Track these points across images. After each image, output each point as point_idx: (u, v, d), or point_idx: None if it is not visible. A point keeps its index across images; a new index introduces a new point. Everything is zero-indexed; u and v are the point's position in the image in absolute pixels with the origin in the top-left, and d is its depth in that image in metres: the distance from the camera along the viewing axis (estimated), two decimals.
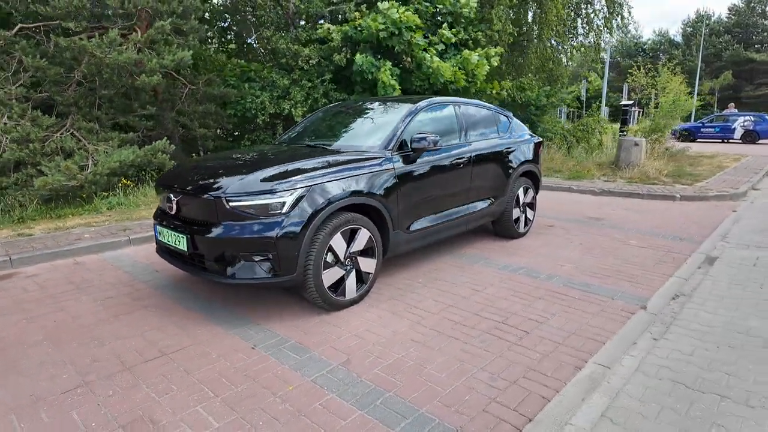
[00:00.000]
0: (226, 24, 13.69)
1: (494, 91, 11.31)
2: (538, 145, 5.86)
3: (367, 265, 3.70)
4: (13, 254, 4.75)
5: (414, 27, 9.18)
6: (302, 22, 11.32)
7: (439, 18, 10.62)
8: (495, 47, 10.92)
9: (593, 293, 3.92)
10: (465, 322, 3.37)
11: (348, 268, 3.56)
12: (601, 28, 14.85)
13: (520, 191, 5.46)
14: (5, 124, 7.08)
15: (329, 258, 3.41)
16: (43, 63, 7.40)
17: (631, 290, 3.98)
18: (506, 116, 5.57)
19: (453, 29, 10.45)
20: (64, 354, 2.97)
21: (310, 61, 10.13)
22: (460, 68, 10.28)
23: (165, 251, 3.75)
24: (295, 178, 3.30)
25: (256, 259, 3.17)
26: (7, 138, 6.92)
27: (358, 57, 9.27)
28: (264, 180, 3.26)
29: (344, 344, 3.05)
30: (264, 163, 3.59)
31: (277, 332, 3.22)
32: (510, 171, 5.25)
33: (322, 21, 11.07)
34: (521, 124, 5.86)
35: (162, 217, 3.71)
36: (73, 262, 4.88)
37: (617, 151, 10.71)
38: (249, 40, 13.23)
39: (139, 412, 2.38)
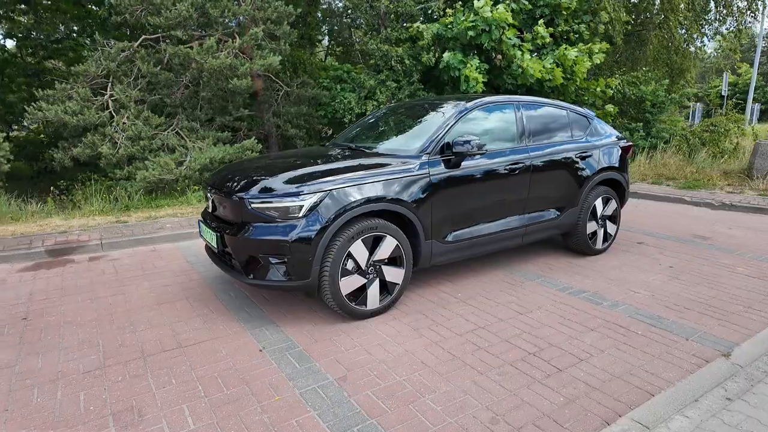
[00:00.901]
0: (328, 28, 14.26)
1: (598, 89, 10.20)
2: (625, 150, 5.10)
3: (393, 274, 3.50)
4: (105, 239, 5.39)
5: (505, 24, 8.62)
6: (393, 22, 11.33)
7: (537, 13, 9.86)
8: (600, 42, 9.84)
9: (663, 329, 3.27)
10: (490, 349, 3.01)
11: (370, 276, 3.39)
12: (743, 10, 12.58)
13: (598, 202, 4.79)
14: (124, 123, 8.13)
15: (349, 265, 3.29)
16: (156, 69, 8.34)
17: (717, 331, 3.24)
18: (585, 116, 4.92)
19: (553, 23, 9.64)
20: (102, 336, 3.24)
21: (405, 62, 10.07)
22: (558, 64, 9.45)
23: (206, 248, 3.93)
24: (316, 181, 3.22)
25: (273, 261, 3.16)
26: (123, 136, 7.93)
27: (446, 55, 8.98)
28: (286, 182, 3.24)
29: (349, 358, 2.90)
30: (295, 166, 3.58)
31: (290, 336, 3.18)
32: (584, 179, 4.63)
33: (408, 21, 10.94)
34: (605, 125, 5.14)
35: (205, 215, 3.89)
36: (152, 249, 5.39)
37: (751, 156, 8.98)
38: (351, 42, 13.61)
39: (132, 401, 2.48)
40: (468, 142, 3.64)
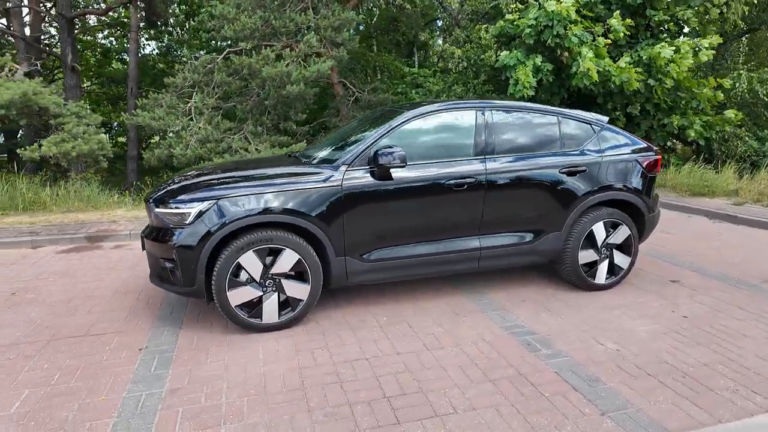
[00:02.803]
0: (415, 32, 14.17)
1: (705, 90, 8.43)
2: (650, 165, 4.12)
3: (296, 290, 3.33)
4: (134, 230, 6.11)
5: (569, 19, 7.62)
6: (467, 22, 10.79)
7: (620, 2, 8.54)
8: (712, 33, 8.13)
9: (583, 395, 2.57)
10: (347, 385, 2.68)
11: (267, 289, 3.28)
12: None
13: (598, 227, 3.95)
14: (199, 128, 9.12)
15: (243, 276, 3.23)
16: (228, 78, 9.19)
17: (658, 412, 2.44)
18: (589, 124, 4.09)
19: (643, 12, 8.25)
20: (48, 316, 3.67)
21: (460, 64, 9.59)
22: (647, 63, 8.08)
23: None
24: (208, 190, 3.23)
25: (167, 266, 3.25)
26: (194, 138, 8.90)
27: (502, 54, 8.30)
28: (182, 190, 3.31)
29: (202, 371, 2.84)
30: (214, 172, 3.63)
31: (178, 340, 3.23)
32: (573, 199, 3.86)
33: (482, 21, 10.32)
34: (623, 134, 4.22)
35: None
36: None
37: None
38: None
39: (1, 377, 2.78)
40: (390, 153, 3.31)
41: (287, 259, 3.27)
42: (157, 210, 3.29)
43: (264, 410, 2.46)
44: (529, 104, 4.08)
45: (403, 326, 3.44)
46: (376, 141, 3.51)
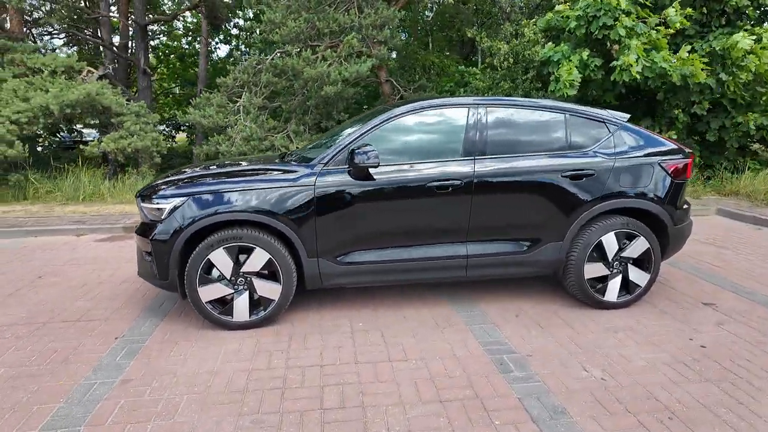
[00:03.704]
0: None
1: None
2: (676, 170, 3.61)
3: (267, 289, 3.30)
4: None
5: (619, 8, 6.93)
6: (518, 16, 10.22)
7: None
8: None
9: (538, 424, 2.27)
10: (289, 392, 2.58)
11: (239, 288, 3.28)
12: None
13: (608, 238, 3.52)
14: (245, 126, 9.48)
15: (215, 273, 3.25)
16: (274, 79, 9.46)
17: None
18: (604, 122, 3.66)
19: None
20: (56, 299, 3.96)
21: (506, 60, 9.11)
22: (721, 54, 7.18)
23: None
24: (184, 187, 3.29)
25: (147, 259, 3.36)
26: (239, 136, 9.26)
27: (546, 47, 7.76)
28: (164, 185, 3.39)
29: (157, 365, 2.87)
30: (205, 169, 3.70)
31: (154, 332, 3.32)
32: (577, 205, 3.47)
33: (534, 13, 9.72)
34: (645, 134, 3.73)
35: None
36: None
37: None
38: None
39: None
40: (365, 153, 3.17)
41: (258, 258, 3.24)
42: (141, 204, 3.42)
43: (197, 410, 2.44)
44: (534, 101, 3.73)
45: (376, 334, 3.28)
46: (354, 140, 3.38)
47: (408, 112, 3.51)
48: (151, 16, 13.31)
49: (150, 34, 14.45)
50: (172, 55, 18.91)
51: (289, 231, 3.23)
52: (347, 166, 3.31)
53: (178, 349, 3.10)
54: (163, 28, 16.24)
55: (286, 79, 9.65)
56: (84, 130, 14.85)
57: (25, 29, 12.81)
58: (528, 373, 2.78)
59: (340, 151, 3.35)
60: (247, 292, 3.29)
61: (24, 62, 9.38)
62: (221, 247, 3.20)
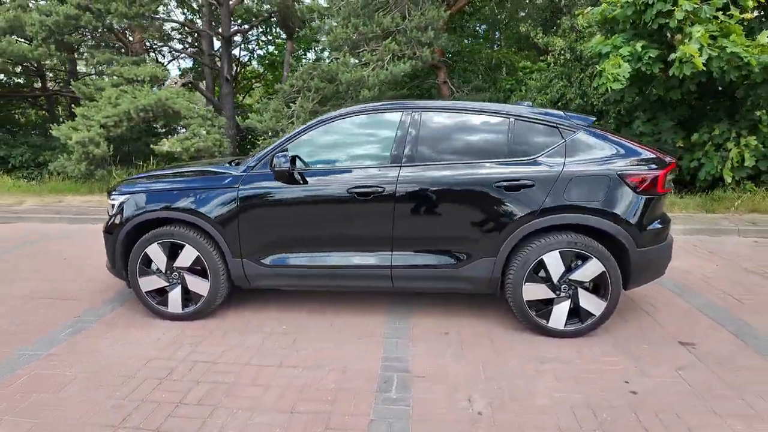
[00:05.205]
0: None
1: None
2: (641, 183, 3.09)
3: (197, 285, 3.49)
4: None
5: None
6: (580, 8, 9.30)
7: None
8: None
9: None
10: (164, 386, 2.72)
11: (173, 281, 3.52)
12: None
13: (551, 257, 3.13)
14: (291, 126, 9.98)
15: (153, 266, 3.53)
16: (322, 84, 9.84)
17: None
18: (557, 127, 3.24)
19: None
20: (61, 277, 4.60)
21: (561, 56, 8.42)
22: None
23: None
24: (133, 185, 3.61)
25: (108, 250, 3.74)
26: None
27: (594, 40, 7.03)
28: (123, 182, 3.76)
29: (85, 344, 3.21)
30: (166, 169, 4.02)
31: (102, 317, 3.71)
32: (512, 218, 3.14)
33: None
34: (613, 140, 3.23)
35: None
36: None
37: None
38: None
39: None
40: (284, 156, 3.22)
41: (188, 255, 3.46)
42: (108, 200, 3.83)
43: (81, 387, 2.70)
44: (477, 104, 3.45)
45: (289, 339, 3.31)
46: (280, 144, 3.44)
47: (338, 117, 3.48)
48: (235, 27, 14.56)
49: (241, 43, 15.87)
50: (267, 64, 20.54)
51: (214, 231, 3.39)
52: (271, 170, 3.37)
53: (114, 332, 3.42)
54: (253, 36, 17.64)
55: (335, 84, 9.96)
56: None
57: (146, 44, 14.92)
58: (403, 396, 2.61)
59: (266, 155, 3.43)
60: (180, 286, 3.52)
61: (122, 73, 10.91)
62: (155, 243, 3.47)
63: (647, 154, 3.21)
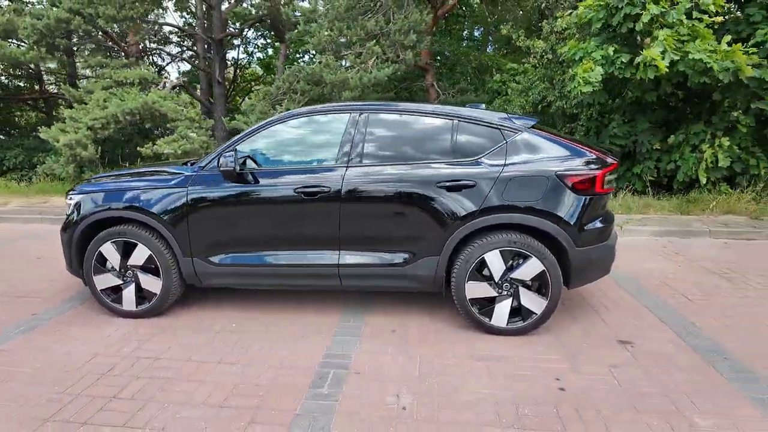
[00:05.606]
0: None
1: None
2: (580, 183, 3.13)
3: (150, 283, 3.56)
4: None
5: None
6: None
7: None
8: None
9: None
10: (104, 379, 2.80)
11: (127, 279, 3.59)
12: None
13: (492, 256, 3.18)
14: None
15: (108, 264, 3.60)
16: (307, 87, 9.92)
17: None
18: (499, 128, 3.29)
19: None
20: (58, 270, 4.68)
21: (544, 57, 8.46)
22: None
23: None
24: (91, 185, 3.70)
25: (65, 249, 3.81)
26: None
27: (568, 44, 7.07)
28: (84, 181, 3.84)
29: (40, 340, 3.29)
30: (124, 170, 4.10)
31: (65, 313, 3.78)
32: (453, 218, 3.19)
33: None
34: (557, 141, 3.28)
35: None
36: None
37: None
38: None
39: None
40: (229, 157, 3.28)
41: (140, 254, 3.52)
42: (67, 201, 3.91)
43: (24, 381, 2.76)
44: (424, 106, 3.51)
45: (235, 336, 3.36)
46: (231, 144, 3.51)
47: (288, 117, 3.54)
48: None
49: (239, 46, 15.98)
50: (262, 67, 20.67)
51: (164, 230, 3.46)
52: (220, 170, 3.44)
53: (68, 330, 3.49)
54: (251, 39, 17.77)
55: (321, 86, 10.04)
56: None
57: (142, 47, 15.10)
58: (334, 391, 2.66)
59: (217, 155, 3.49)
60: (134, 284, 3.59)
61: (111, 76, 11.03)
62: (109, 242, 3.54)
63: (588, 154, 3.26)
